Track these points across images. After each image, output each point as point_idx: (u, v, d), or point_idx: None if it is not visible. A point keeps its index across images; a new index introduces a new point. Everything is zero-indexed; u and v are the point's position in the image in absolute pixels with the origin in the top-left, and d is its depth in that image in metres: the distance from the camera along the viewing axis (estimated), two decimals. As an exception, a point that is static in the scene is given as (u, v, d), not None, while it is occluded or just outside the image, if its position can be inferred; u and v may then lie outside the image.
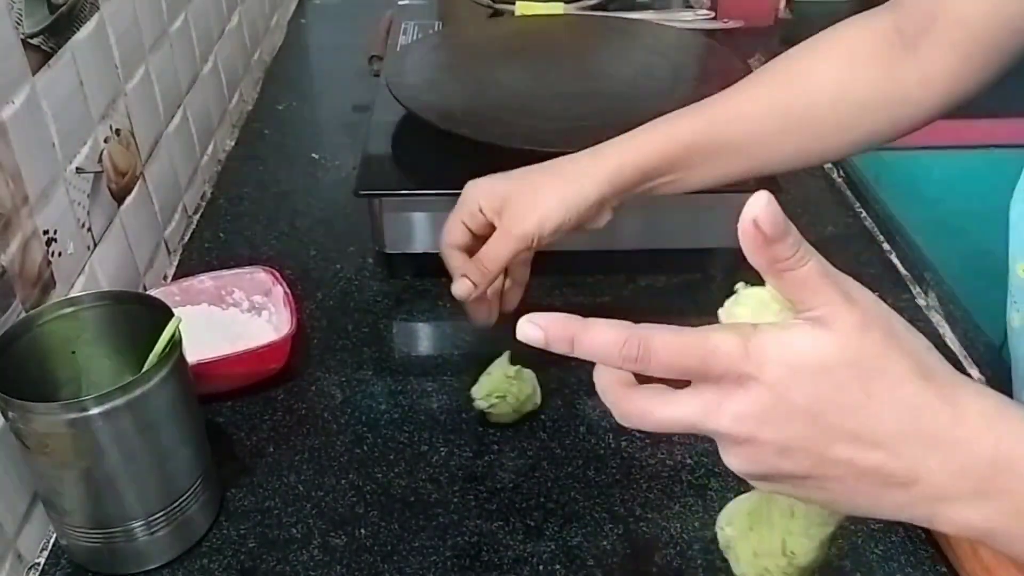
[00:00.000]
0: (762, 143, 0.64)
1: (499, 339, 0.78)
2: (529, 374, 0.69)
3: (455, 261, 0.67)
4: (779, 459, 0.36)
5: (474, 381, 0.73)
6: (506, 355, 0.69)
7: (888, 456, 0.35)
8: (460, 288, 0.66)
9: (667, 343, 0.36)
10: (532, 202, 0.64)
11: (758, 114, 0.63)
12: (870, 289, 0.38)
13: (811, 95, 0.63)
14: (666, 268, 0.85)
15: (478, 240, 0.66)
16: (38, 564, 0.61)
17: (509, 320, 0.80)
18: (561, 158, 0.66)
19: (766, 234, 0.34)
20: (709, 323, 0.38)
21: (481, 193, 0.65)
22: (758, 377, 0.35)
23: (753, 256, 0.36)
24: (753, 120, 0.63)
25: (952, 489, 0.35)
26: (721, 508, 0.63)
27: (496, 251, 0.64)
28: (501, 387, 0.67)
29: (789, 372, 0.35)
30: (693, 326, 0.37)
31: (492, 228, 0.66)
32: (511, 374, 0.68)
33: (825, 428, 0.35)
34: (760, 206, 0.34)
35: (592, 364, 0.39)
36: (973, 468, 0.35)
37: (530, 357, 0.75)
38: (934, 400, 0.35)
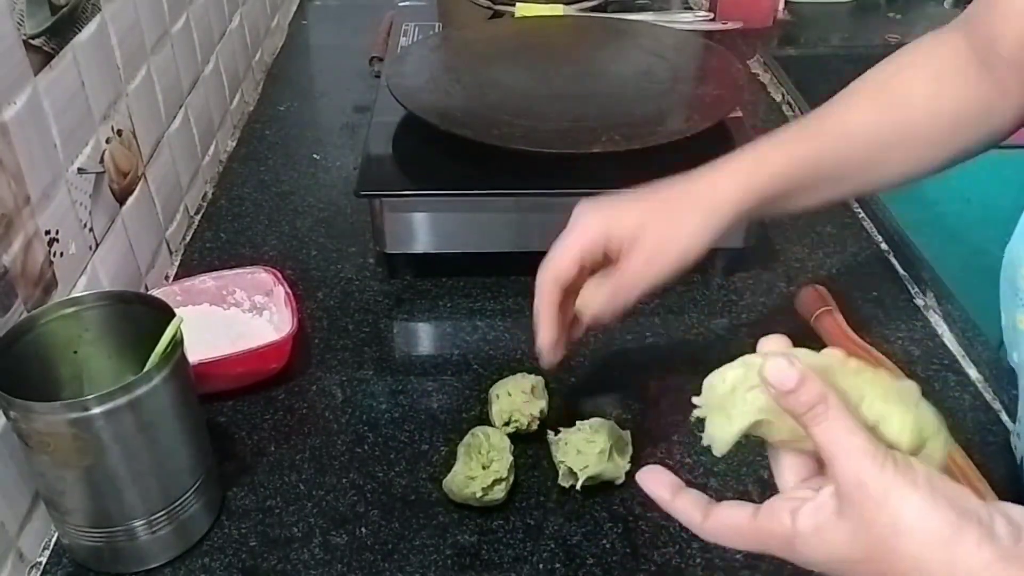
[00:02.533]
0: (871, 160, 0.63)
1: (499, 338, 0.78)
2: (540, 383, 0.69)
3: (552, 299, 0.60)
4: None
5: (475, 381, 0.73)
6: (519, 375, 0.69)
7: None
8: (574, 333, 0.63)
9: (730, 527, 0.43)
10: (671, 232, 0.59)
11: (864, 132, 0.62)
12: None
13: (908, 111, 0.62)
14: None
15: (582, 277, 0.60)
16: (40, 563, 0.61)
17: (501, 315, 0.80)
18: (677, 181, 0.61)
19: (775, 388, 0.40)
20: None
21: (611, 222, 0.59)
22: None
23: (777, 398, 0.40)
24: (861, 137, 0.62)
25: None
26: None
27: (634, 284, 0.59)
28: (524, 409, 0.66)
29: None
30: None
31: (602, 263, 0.60)
32: (527, 389, 0.67)
33: None
34: (770, 365, 0.40)
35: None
36: None
37: (532, 359, 0.76)
38: None
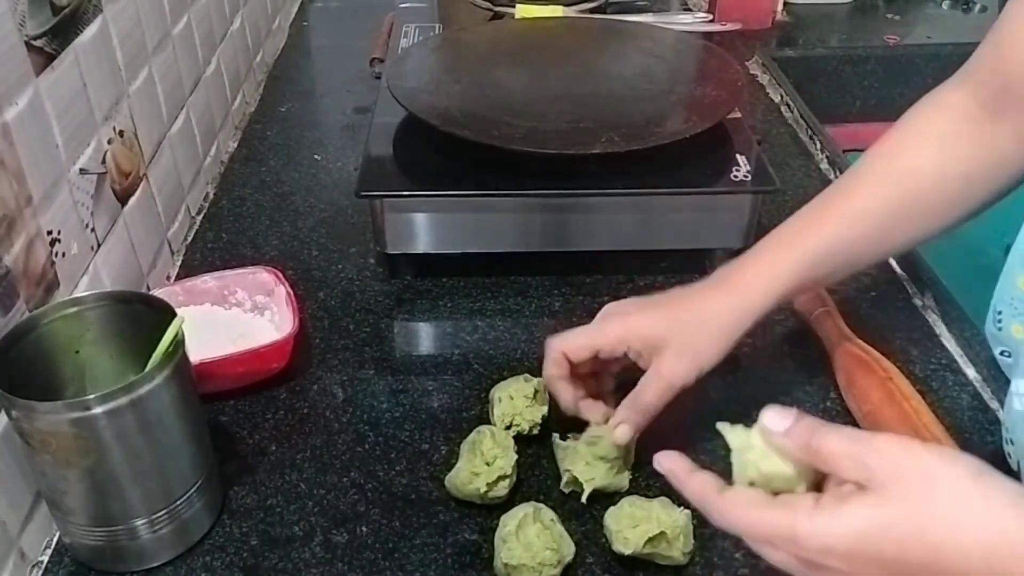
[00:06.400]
0: (884, 235, 0.65)
1: (499, 338, 0.79)
2: (542, 386, 0.68)
3: (559, 366, 0.64)
4: None
5: (475, 381, 0.74)
6: (521, 378, 0.69)
7: None
8: (621, 434, 0.62)
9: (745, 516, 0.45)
10: (690, 345, 0.62)
11: (874, 210, 0.63)
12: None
13: (916, 182, 0.63)
14: (666, 268, 0.86)
15: (599, 364, 0.65)
16: (41, 562, 0.61)
17: (501, 315, 0.81)
18: (696, 288, 0.64)
19: (773, 432, 0.45)
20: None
21: (640, 331, 0.62)
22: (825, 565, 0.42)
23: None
24: (871, 217, 0.63)
25: None
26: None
27: (654, 399, 0.62)
28: (526, 414, 0.66)
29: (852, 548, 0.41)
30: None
31: (617, 363, 0.65)
32: (529, 394, 0.67)
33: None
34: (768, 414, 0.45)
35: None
36: None
37: (532, 359, 0.76)
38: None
